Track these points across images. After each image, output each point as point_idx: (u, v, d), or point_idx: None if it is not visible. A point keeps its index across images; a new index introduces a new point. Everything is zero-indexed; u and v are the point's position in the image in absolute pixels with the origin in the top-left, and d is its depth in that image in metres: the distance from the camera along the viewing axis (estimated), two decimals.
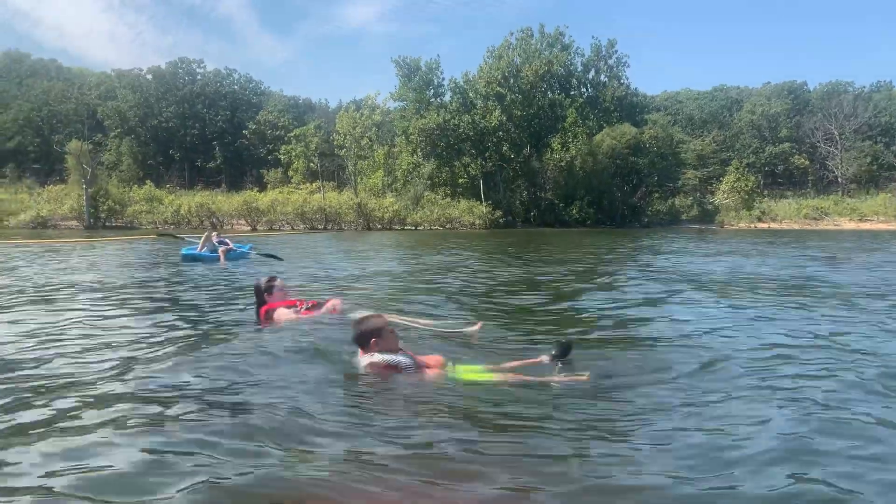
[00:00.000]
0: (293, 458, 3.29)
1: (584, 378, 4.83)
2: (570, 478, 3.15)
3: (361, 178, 64.68)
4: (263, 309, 6.81)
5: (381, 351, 4.79)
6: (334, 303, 6.76)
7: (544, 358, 5.28)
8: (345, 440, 3.56)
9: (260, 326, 6.67)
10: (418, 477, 3.14)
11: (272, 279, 7.08)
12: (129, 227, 48.94)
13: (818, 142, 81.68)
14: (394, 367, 4.75)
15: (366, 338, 4.85)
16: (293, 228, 52.71)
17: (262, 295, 6.93)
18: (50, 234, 36.12)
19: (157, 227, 49.97)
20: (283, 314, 6.62)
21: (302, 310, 6.67)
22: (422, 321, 6.73)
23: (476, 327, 6.71)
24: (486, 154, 61.21)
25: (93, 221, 50.58)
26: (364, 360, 4.80)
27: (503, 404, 4.31)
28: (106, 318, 7.54)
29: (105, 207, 52.27)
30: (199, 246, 16.79)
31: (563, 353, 5.30)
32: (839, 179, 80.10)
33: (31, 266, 15.13)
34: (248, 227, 52.72)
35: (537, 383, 4.78)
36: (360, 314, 5.95)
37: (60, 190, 55.33)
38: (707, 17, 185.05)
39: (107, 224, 51.09)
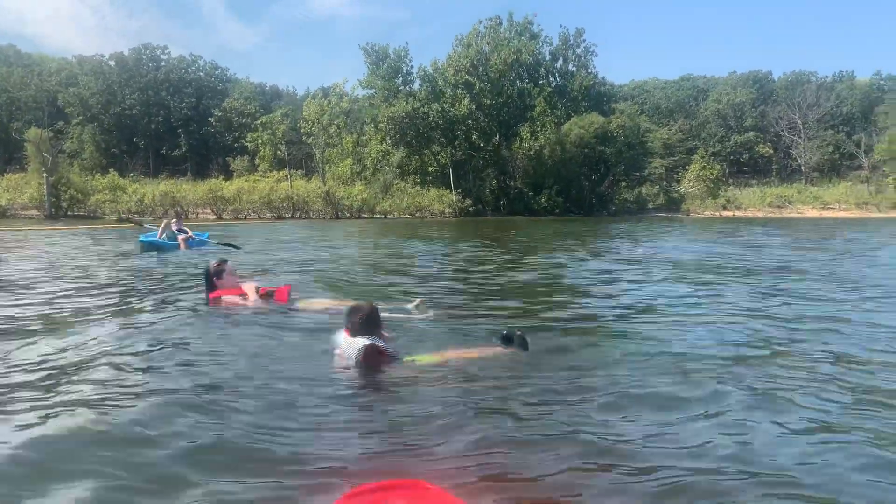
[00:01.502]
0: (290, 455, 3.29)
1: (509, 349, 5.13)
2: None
3: (330, 167, 64.22)
4: (212, 296, 6.66)
5: (379, 337, 4.82)
6: (284, 290, 6.65)
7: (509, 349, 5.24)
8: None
9: (208, 314, 6.55)
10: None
11: (222, 262, 6.92)
12: (92, 217, 47.91)
13: (782, 131, 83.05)
14: (388, 356, 4.78)
15: (373, 324, 4.84)
16: (259, 217, 52.16)
17: (212, 279, 6.77)
18: (8, 224, 35.24)
19: (121, 217, 49.02)
20: (231, 302, 6.50)
21: (251, 299, 6.53)
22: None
23: (417, 302, 6.76)
24: (456, 142, 61.16)
25: (54, 211, 49.45)
26: (362, 341, 4.68)
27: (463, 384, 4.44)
28: (55, 306, 7.35)
29: (66, 196, 51.15)
30: (159, 233, 16.45)
31: (522, 344, 5.28)
32: (802, 168, 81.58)
33: None
34: (214, 216, 52.02)
35: (469, 361, 4.96)
36: (317, 302, 5.96)
37: (20, 178, 53.98)
38: (674, 5, 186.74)
39: (68, 213, 49.99)
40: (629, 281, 10.63)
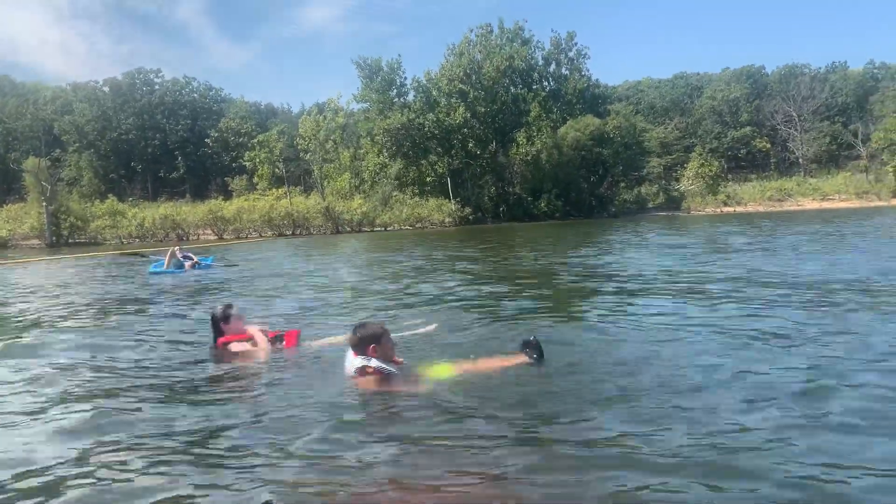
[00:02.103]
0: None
1: (527, 360, 5.16)
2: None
3: (328, 182, 64.27)
4: (220, 342, 6.51)
5: (377, 357, 4.80)
6: (293, 335, 6.50)
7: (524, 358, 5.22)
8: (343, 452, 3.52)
9: (217, 358, 6.41)
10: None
11: (228, 307, 6.72)
12: (93, 244, 47.99)
13: (778, 124, 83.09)
14: (381, 374, 4.75)
15: (366, 343, 4.84)
16: (261, 235, 52.15)
17: (219, 324, 6.58)
18: (10, 255, 35.24)
19: (122, 242, 49.07)
20: (238, 348, 6.35)
21: (261, 344, 6.38)
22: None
23: (431, 328, 6.73)
24: (452, 151, 61.22)
25: (55, 239, 49.54)
26: (358, 361, 4.78)
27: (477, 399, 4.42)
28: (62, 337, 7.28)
29: (67, 224, 51.23)
30: (165, 263, 16.64)
31: (538, 354, 5.24)
32: (800, 160, 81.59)
33: None
34: (215, 237, 52.03)
35: (499, 370, 5.02)
36: (325, 342, 5.89)
37: (20, 209, 54.12)
38: (665, 5, 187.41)
39: (69, 241, 50.08)
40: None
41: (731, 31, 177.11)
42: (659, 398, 4.25)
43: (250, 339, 6.38)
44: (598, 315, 7.81)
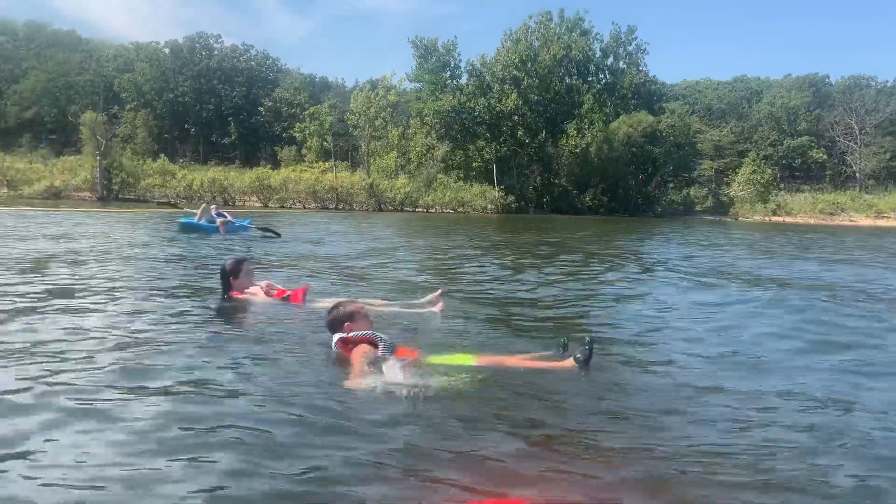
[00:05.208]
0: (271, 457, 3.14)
1: (570, 364, 4.59)
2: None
3: (374, 159, 64.47)
4: (229, 296, 6.61)
5: (353, 329, 4.82)
6: (300, 291, 6.58)
7: (568, 362, 4.65)
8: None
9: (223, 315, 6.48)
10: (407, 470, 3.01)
11: (240, 262, 6.79)
12: (142, 201, 48.87)
13: (837, 136, 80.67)
14: (368, 339, 4.63)
15: (338, 323, 4.89)
16: (304, 207, 52.60)
17: (228, 279, 6.64)
18: (62, 205, 36.10)
19: (169, 202, 49.89)
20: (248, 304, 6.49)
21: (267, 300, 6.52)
22: (386, 305, 6.61)
23: (437, 294, 6.66)
24: (501, 138, 60.85)
25: (105, 193, 50.56)
26: (336, 336, 4.80)
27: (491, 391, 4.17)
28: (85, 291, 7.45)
29: (118, 180, 52.24)
30: (198, 216, 16.74)
31: (586, 359, 4.59)
32: (857, 175, 79.16)
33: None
34: (260, 204, 52.68)
35: (522, 369, 4.60)
36: (330, 301, 5.84)
37: (74, 161, 55.30)
38: (730, 6, 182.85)
39: (119, 196, 51.08)
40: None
41: (796, 36, 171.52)
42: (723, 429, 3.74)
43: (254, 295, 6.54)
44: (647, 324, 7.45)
